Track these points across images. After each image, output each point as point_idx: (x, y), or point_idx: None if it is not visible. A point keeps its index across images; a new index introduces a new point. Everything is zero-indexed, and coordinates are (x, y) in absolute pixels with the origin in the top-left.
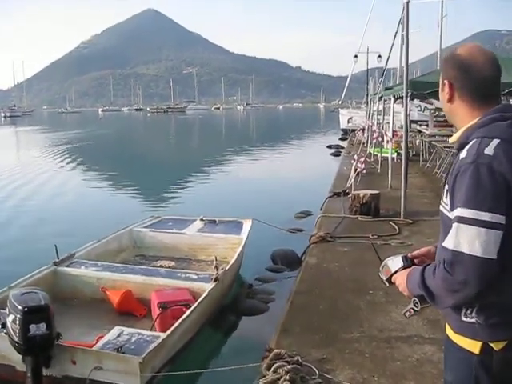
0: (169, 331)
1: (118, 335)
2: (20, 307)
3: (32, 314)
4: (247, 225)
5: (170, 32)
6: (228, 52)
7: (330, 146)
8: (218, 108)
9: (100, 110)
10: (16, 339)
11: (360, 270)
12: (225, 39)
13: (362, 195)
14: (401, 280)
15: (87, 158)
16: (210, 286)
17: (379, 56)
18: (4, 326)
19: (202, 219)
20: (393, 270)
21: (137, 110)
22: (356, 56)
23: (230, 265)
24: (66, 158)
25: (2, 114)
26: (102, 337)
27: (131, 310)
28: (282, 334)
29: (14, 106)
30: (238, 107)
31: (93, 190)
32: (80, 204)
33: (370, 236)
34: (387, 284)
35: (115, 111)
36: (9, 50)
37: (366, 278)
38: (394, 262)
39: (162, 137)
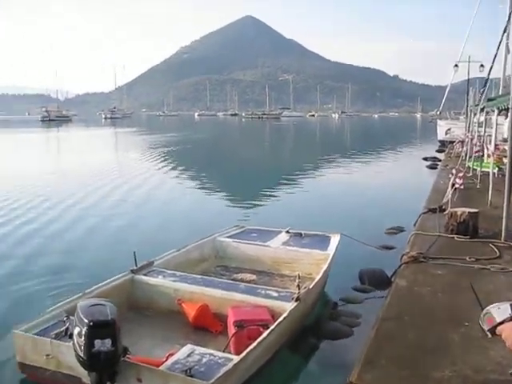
0: (242, 354)
1: (189, 354)
2: (86, 320)
3: (98, 328)
4: (335, 240)
5: (267, 39)
6: (324, 59)
7: (426, 158)
8: (313, 115)
9: (196, 114)
10: (80, 353)
11: (455, 296)
12: (321, 46)
13: (459, 213)
14: (510, 333)
15: (180, 162)
16: (290, 305)
17: (481, 65)
18: (71, 337)
19: (287, 231)
20: (498, 320)
21: (232, 115)
22: (456, 65)
23: (314, 283)
24: (160, 161)
25: (103, 116)
26: (172, 354)
27: (206, 325)
28: (366, 367)
29: (115, 108)
30: (333, 115)
31: (181, 195)
32: (166, 209)
33: (467, 259)
34: (489, 335)
35: (211, 116)
36: (111, 54)
37: (462, 307)
38: (501, 311)
39: (254, 143)
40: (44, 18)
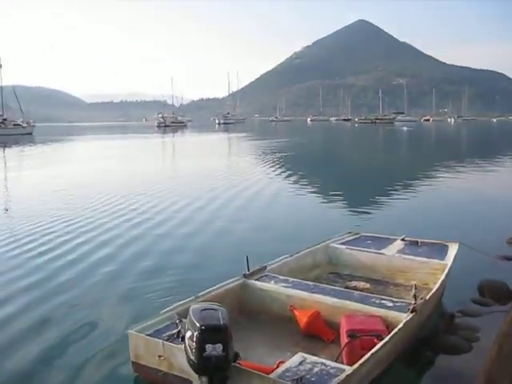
0: (355, 365)
1: (300, 363)
2: (198, 324)
3: (209, 333)
4: (453, 249)
5: (380, 42)
6: (439, 62)
7: None
8: (428, 120)
9: (309, 119)
10: (192, 357)
11: None
12: (437, 49)
13: None
14: None
15: (292, 167)
16: (406, 316)
17: None
18: (183, 339)
19: (403, 239)
20: None
21: (344, 120)
22: None
23: (430, 294)
24: (272, 166)
25: (217, 121)
26: (282, 362)
27: (318, 333)
28: None
29: (228, 113)
30: (449, 119)
31: (293, 200)
32: (278, 214)
33: None
34: None
35: (323, 121)
36: (226, 61)
37: None
38: None
39: (367, 147)
40: (156, 26)
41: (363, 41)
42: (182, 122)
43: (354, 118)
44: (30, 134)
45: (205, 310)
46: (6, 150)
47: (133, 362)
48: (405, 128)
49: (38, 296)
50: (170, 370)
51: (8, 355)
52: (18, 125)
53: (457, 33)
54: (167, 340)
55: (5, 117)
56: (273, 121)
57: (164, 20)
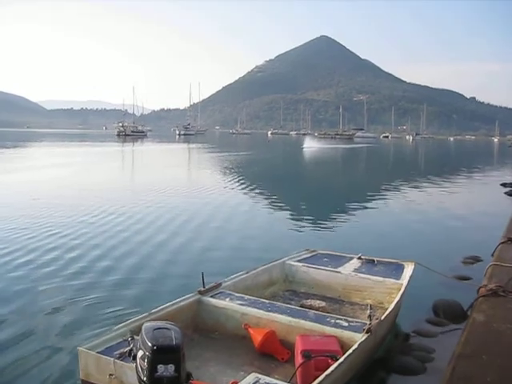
0: None
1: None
2: (150, 344)
3: (161, 353)
4: (409, 268)
5: (342, 59)
6: (400, 80)
7: (504, 184)
8: (387, 137)
9: (269, 132)
10: (143, 377)
11: None
12: (396, 67)
13: None
14: None
15: (248, 181)
16: (361, 337)
17: None
18: (135, 358)
19: (359, 257)
20: None
21: (304, 134)
22: None
23: (385, 314)
24: (229, 179)
25: (177, 132)
26: (236, 382)
27: (273, 352)
28: None
29: (189, 124)
30: (407, 137)
31: (250, 216)
32: (235, 230)
33: None
34: None
35: (283, 134)
36: (187, 72)
37: None
38: None
39: (325, 164)
40: (121, 33)
41: (325, 57)
42: (143, 132)
43: (313, 132)
44: None
45: (157, 329)
46: None
47: (82, 381)
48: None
49: None
50: None
51: None
52: None
53: (415, 52)
54: (118, 358)
55: None
56: (233, 133)
57: (128, 26)
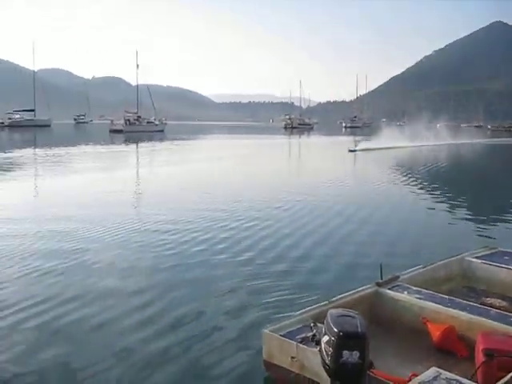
0: None
1: (434, 378)
2: (336, 330)
3: (347, 339)
4: None
5: None
6: None
7: None
8: None
9: (438, 125)
10: (327, 361)
11: None
12: None
13: None
14: None
15: (420, 177)
16: None
17: None
18: (318, 343)
19: None
20: None
21: (476, 126)
22: None
23: None
24: (396, 173)
25: (343, 125)
26: (415, 375)
27: (452, 348)
28: None
29: (355, 117)
30: None
31: (427, 211)
32: (412, 225)
33: None
34: None
35: (454, 127)
36: (354, 64)
37: None
38: None
39: (502, 157)
40: (300, 31)
41: (499, 44)
42: (309, 124)
43: (486, 125)
44: (162, 131)
45: (342, 316)
46: (140, 145)
47: (265, 361)
48: None
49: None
50: (301, 371)
51: (136, 352)
52: (151, 122)
53: None
54: (301, 342)
55: (139, 114)
56: (400, 125)
57: (289, 20)
